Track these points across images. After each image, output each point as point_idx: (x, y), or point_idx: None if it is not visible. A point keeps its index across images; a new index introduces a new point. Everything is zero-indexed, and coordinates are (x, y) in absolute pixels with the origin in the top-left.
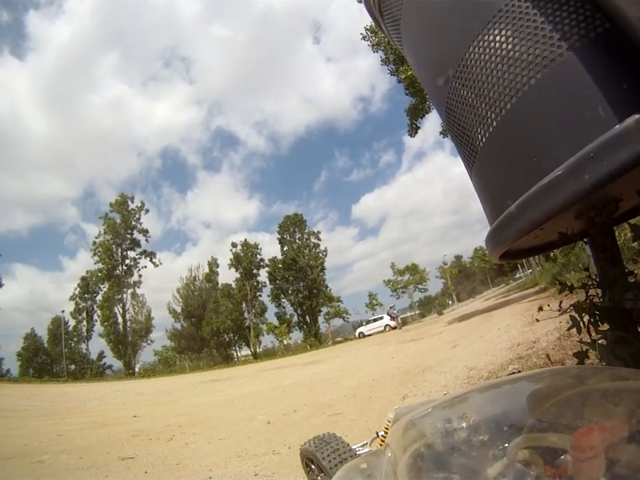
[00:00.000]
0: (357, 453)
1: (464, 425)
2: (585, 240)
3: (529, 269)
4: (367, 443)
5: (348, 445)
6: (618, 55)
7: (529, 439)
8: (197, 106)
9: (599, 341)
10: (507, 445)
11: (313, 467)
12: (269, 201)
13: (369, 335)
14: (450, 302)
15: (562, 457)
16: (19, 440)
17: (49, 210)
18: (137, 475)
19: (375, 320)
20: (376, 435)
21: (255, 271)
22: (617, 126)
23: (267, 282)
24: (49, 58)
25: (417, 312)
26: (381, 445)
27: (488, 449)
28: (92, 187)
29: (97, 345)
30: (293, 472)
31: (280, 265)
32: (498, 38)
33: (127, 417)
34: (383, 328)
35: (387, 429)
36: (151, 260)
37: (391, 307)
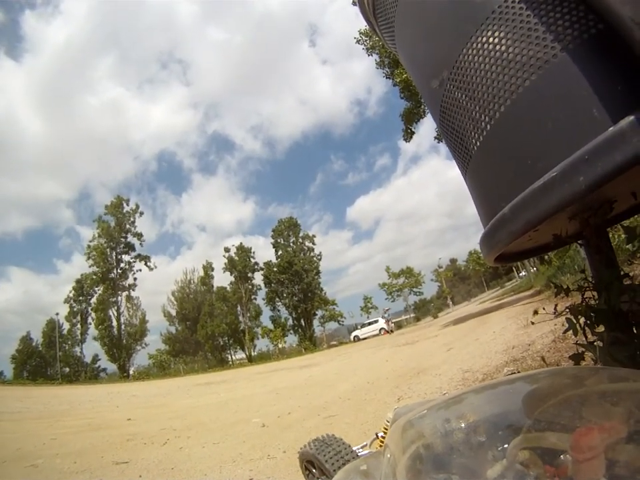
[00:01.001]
0: (358, 454)
1: (463, 425)
2: (579, 242)
3: (523, 271)
4: (366, 444)
5: (349, 445)
6: (612, 56)
7: (528, 439)
8: (193, 109)
9: (595, 343)
10: (506, 445)
11: (314, 470)
12: (264, 204)
13: (364, 339)
14: (450, 302)
15: (561, 457)
16: (13, 443)
17: (44, 212)
18: (131, 479)
19: (370, 323)
20: (375, 436)
21: (249, 275)
22: (611, 128)
23: (262, 285)
24: (44, 59)
25: (412, 315)
26: (380, 446)
27: (487, 449)
28: (87, 190)
29: (92, 348)
30: (288, 476)
31: (275, 269)
32: (492, 40)
33: (121, 420)
34: (378, 331)
35: (386, 429)
36: (145, 263)
37: (386, 310)
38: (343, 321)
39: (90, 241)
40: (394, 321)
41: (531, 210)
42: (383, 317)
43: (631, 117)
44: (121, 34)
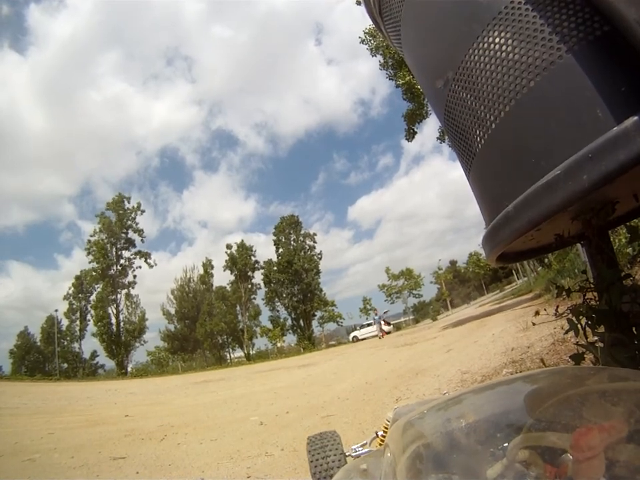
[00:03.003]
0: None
1: (463, 424)
2: (581, 242)
3: (524, 276)
4: (366, 443)
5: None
6: (617, 57)
7: (529, 438)
8: (197, 105)
9: (596, 344)
10: (506, 444)
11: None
12: (266, 202)
13: (363, 339)
14: (450, 303)
15: (562, 456)
16: (10, 438)
17: (45, 207)
18: (128, 475)
19: (369, 324)
20: (375, 435)
21: (249, 274)
22: (616, 127)
23: (262, 285)
24: (49, 53)
25: (411, 317)
26: (380, 444)
27: (487, 448)
28: (89, 185)
29: (90, 344)
30: (285, 473)
31: (275, 268)
32: (497, 40)
33: (119, 417)
34: (377, 332)
35: (386, 428)
36: (145, 260)
37: (385, 312)
38: (342, 322)
39: (91, 236)
40: (393, 322)
41: (535, 208)
42: (374, 319)
43: (635, 117)
44: (126, 30)
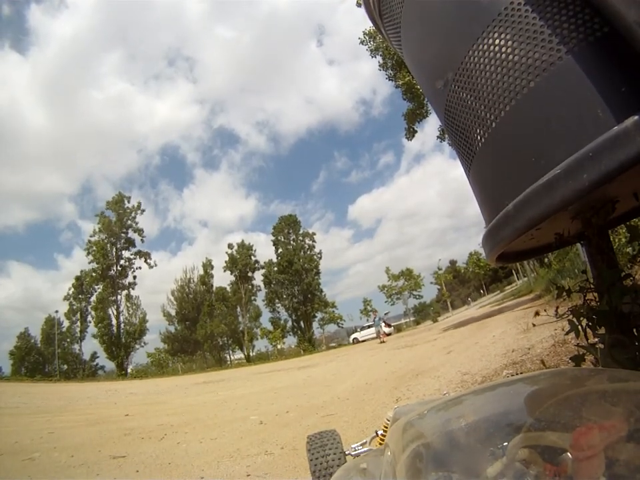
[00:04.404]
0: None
1: (463, 424)
2: (581, 242)
3: (524, 276)
4: (366, 442)
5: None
6: (617, 58)
7: (528, 438)
8: (199, 104)
9: (597, 345)
10: (506, 444)
11: None
12: (267, 200)
13: (363, 341)
14: (450, 304)
15: (561, 455)
16: (10, 437)
17: (46, 206)
18: (128, 474)
19: (369, 326)
20: (375, 434)
21: (249, 274)
22: (616, 127)
23: (262, 286)
24: (50, 53)
25: (412, 319)
26: (380, 443)
27: (487, 448)
28: (90, 183)
29: (90, 346)
30: (285, 472)
31: (275, 268)
32: (497, 41)
33: (119, 416)
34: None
35: (386, 427)
36: (145, 260)
37: (386, 313)
38: (342, 324)
39: (90, 236)
40: (393, 324)
41: (535, 207)
42: (374, 321)
43: (635, 117)
44: (128, 30)
